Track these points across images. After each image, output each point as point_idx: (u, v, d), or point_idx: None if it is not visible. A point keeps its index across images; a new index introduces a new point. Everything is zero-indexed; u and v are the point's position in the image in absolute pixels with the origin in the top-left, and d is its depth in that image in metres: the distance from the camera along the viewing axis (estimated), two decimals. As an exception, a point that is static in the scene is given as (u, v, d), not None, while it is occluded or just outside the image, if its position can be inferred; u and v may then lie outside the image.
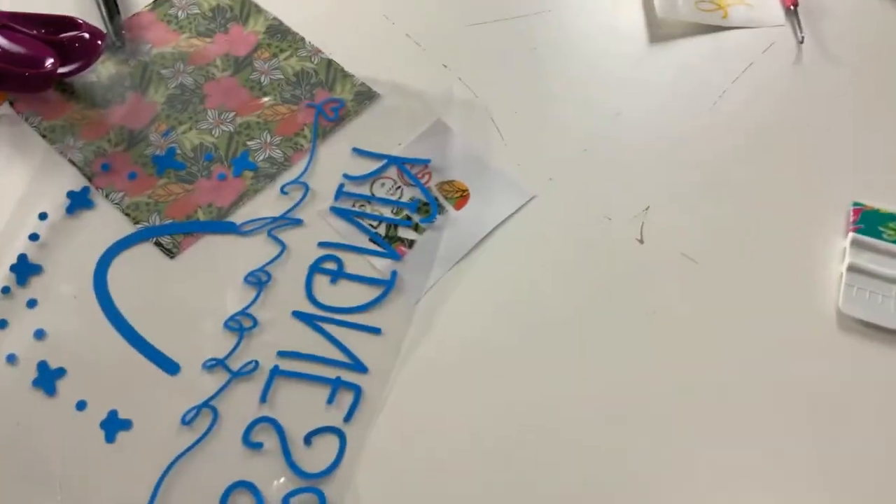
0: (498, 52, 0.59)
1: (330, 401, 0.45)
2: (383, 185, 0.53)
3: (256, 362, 0.46)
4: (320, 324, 0.47)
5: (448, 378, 0.46)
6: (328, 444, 0.44)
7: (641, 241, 0.51)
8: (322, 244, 0.50)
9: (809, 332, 0.47)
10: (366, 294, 0.49)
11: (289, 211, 0.51)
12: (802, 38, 0.58)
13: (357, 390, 0.45)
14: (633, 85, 0.58)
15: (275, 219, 0.51)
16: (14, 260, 0.49)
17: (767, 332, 0.47)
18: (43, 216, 0.51)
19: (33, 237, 0.50)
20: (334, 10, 0.61)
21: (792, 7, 0.60)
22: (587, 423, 0.45)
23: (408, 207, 0.52)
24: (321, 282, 0.49)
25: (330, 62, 0.58)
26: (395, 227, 0.51)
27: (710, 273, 0.49)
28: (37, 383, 0.45)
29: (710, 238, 0.51)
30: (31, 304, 0.48)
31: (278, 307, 0.48)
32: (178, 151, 0.54)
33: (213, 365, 0.46)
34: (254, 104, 0.56)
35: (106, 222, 0.51)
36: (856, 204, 0.51)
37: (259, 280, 0.49)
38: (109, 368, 0.46)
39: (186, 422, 0.44)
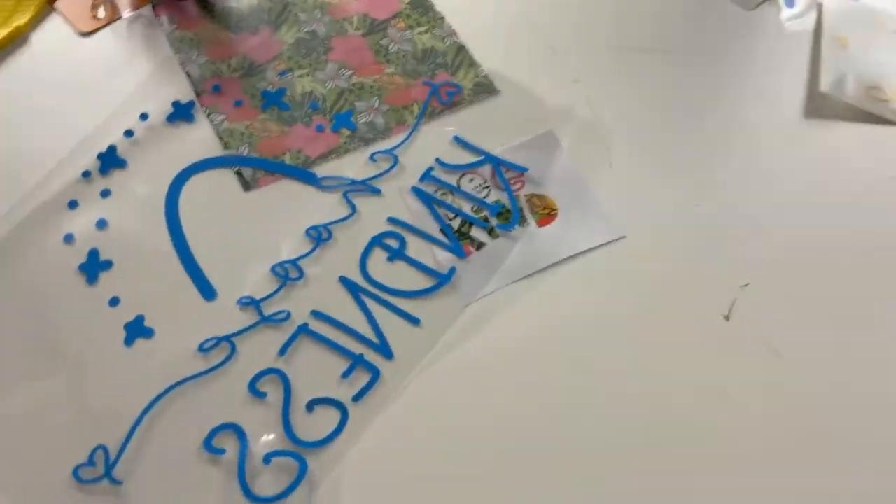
0: (636, 82, 0.55)
1: (345, 375, 0.43)
2: (472, 180, 0.50)
3: (288, 314, 0.45)
4: (362, 296, 0.45)
5: (472, 391, 0.43)
6: (328, 418, 0.42)
7: (727, 319, 0.46)
8: (391, 220, 0.48)
9: None
10: (418, 282, 0.46)
11: (371, 178, 0.50)
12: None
13: (375, 374, 0.43)
14: (771, 154, 0.52)
15: (355, 181, 0.50)
16: (104, 149, 0.50)
17: (857, 449, 0.42)
18: (144, 116, 0.52)
19: (128, 133, 0.51)
20: (481, -1, 0.60)
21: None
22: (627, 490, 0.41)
23: (489, 209, 0.49)
24: (378, 256, 0.47)
25: (461, 47, 0.56)
26: (470, 224, 0.49)
27: (793, 372, 0.44)
28: (82, 268, 0.46)
29: (805, 339, 0.45)
30: (105, 193, 0.49)
31: (328, 267, 0.47)
32: (288, 93, 0.53)
33: (247, 303, 0.45)
34: (374, 68, 0.55)
35: (199, 139, 0.51)
36: None
37: (319, 236, 0.47)
38: (152, 276, 0.46)
39: (203, 349, 0.43)
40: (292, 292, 0.46)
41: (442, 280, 0.46)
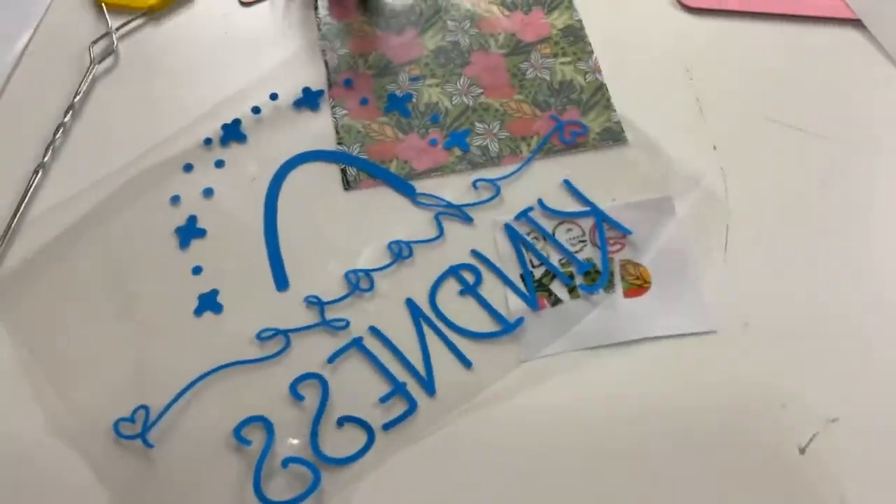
0: (779, 161, 0.50)
1: (383, 400, 0.43)
2: (570, 230, 0.48)
3: (347, 323, 0.45)
4: (423, 324, 0.45)
5: (504, 448, 0.41)
6: (355, 438, 0.42)
7: (802, 453, 0.41)
8: (475, 252, 0.47)
9: None
10: (483, 323, 0.45)
11: (468, 205, 0.49)
12: None
13: (413, 406, 0.42)
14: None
15: (451, 205, 0.49)
16: (230, 120, 0.52)
17: None
18: (274, 96, 0.53)
19: (255, 110, 0.53)
20: (638, 38, 0.56)
21: None
22: None
23: (577, 265, 0.46)
24: (451, 287, 0.46)
25: (602, 86, 0.53)
26: (553, 276, 0.46)
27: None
28: (178, 231, 0.48)
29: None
30: (219, 164, 0.51)
31: (399, 286, 0.46)
32: (413, 100, 0.53)
33: (313, 303, 0.45)
34: (506, 91, 0.53)
35: (318, 129, 0.52)
36: None
37: (399, 252, 0.47)
38: (237, 254, 0.48)
39: (260, 337, 0.45)
40: (357, 302, 0.46)
41: (507, 328, 0.44)
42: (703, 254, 0.47)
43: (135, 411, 0.42)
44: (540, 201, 0.49)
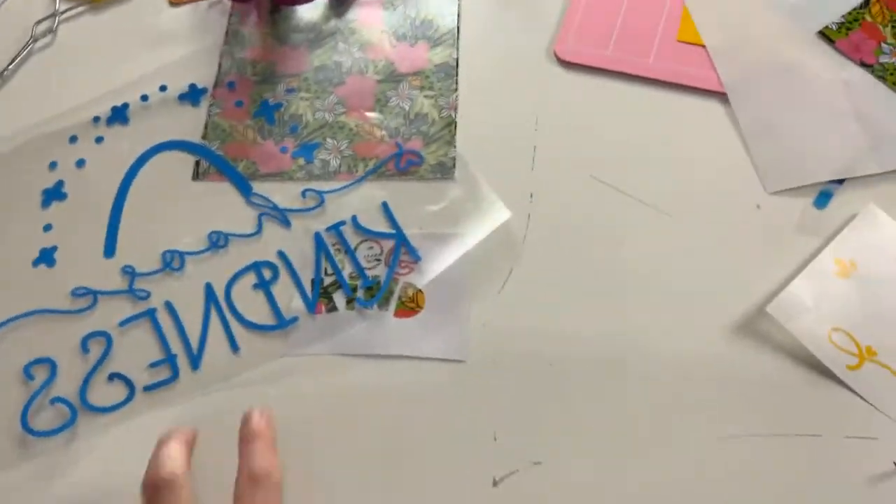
0: (586, 216, 0.52)
1: (153, 366, 0.48)
2: (371, 248, 0.52)
3: (149, 294, 0.51)
4: (212, 307, 0.50)
5: (228, 432, 0.45)
6: (119, 393, 0.48)
7: (495, 485, 0.43)
8: (280, 253, 0.52)
9: None
10: (263, 317, 0.50)
11: (290, 210, 0.54)
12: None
13: (175, 375, 0.48)
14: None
15: (276, 207, 0.54)
16: (119, 104, 0.60)
17: None
18: (163, 88, 0.60)
19: (144, 97, 0.60)
20: (505, 84, 0.59)
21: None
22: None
23: (363, 280, 0.51)
24: (249, 279, 0.51)
25: (452, 123, 0.57)
26: (339, 286, 0.51)
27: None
28: (44, 192, 0.56)
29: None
30: (99, 139, 0.58)
31: (204, 271, 0.52)
32: (282, 109, 0.59)
33: (128, 272, 0.52)
34: (364, 114, 0.58)
35: (191, 123, 0.58)
36: None
37: (217, 241, 0.52)
38: (86, 220, 0.55)
39: (74, 294, 0.51)
40: (165, 279, 0.52)
41: (280, 324, 0.49)
42: (480, 290, 0.50)
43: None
44: (354, 218, 0.53)
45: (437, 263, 0.51)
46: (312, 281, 0.51)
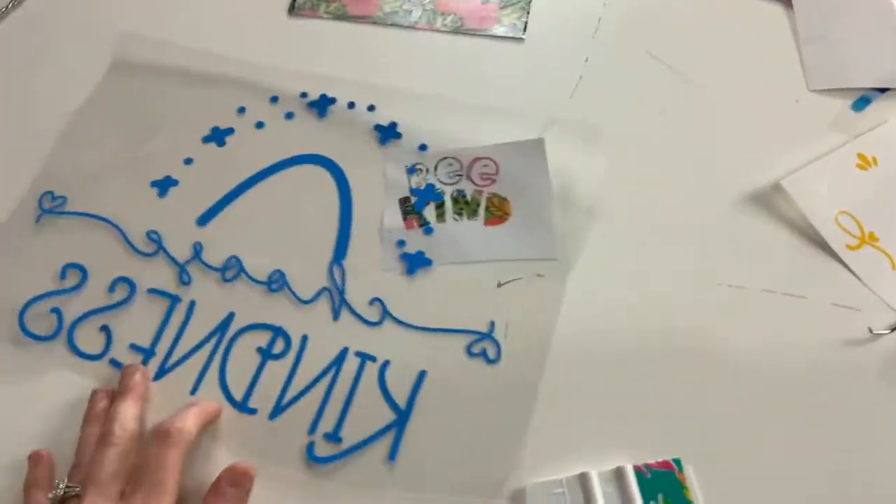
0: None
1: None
2: (451, 165, 0.54)
3: (189, 282, 0.53)
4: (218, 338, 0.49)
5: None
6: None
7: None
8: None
9: None
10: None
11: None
12: None
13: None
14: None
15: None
16: (318, 98, 0.59)
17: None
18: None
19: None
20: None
21: None
22: None
23: (451, 194, 0.53)
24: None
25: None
26: (426, 202, 0.53)
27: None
28: (207, 138, 0.57)
29: None
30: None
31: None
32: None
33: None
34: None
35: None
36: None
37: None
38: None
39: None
40: (208, 280, 0.51)
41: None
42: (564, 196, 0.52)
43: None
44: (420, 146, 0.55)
45: (519, 171, 0.53)
46: (401, 200, 0.53)
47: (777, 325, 0.46)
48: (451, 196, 0.53)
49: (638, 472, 0.41)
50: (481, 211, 0.53)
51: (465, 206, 0.53)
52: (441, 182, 0.54)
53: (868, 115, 0.54)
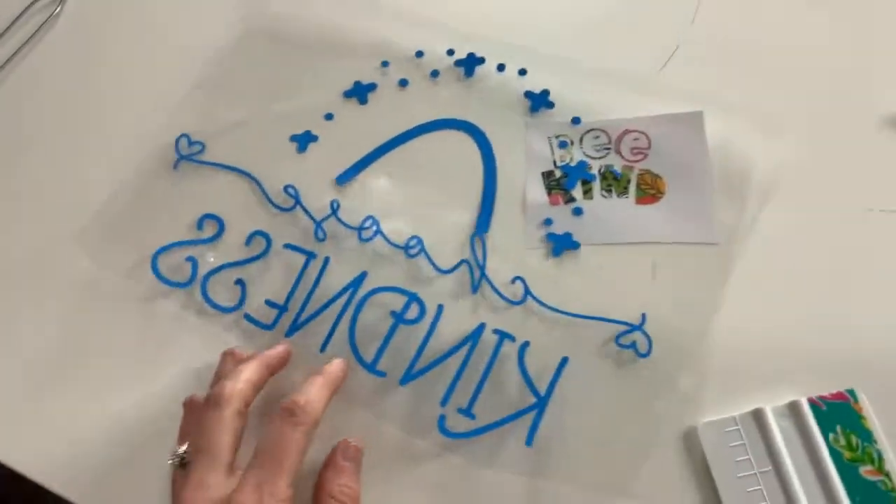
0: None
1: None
2: (597, 137, 0.51)
3: (324, 238, 0.51)
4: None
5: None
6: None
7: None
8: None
9: None
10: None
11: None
12: None
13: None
14: None
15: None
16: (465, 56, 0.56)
17: None
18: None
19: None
20: None
21: None
22: None
23: (599, 169, 0.50)
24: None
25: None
26: (569, 177, 0.50)
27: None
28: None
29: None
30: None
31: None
32: None
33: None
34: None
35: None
36: None
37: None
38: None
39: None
40: (346, 240, 0.49)
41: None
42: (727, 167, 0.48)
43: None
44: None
45: (675, 146, 0.49)
46: (544, 173, 0.50)
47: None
48: (600, 171, 0.50)
49: (813, 405, 0.40)
50: (632, 188, 0.49)
51: (614, 182, 0.50)
52: (587, 156, 0.51)
53: None
